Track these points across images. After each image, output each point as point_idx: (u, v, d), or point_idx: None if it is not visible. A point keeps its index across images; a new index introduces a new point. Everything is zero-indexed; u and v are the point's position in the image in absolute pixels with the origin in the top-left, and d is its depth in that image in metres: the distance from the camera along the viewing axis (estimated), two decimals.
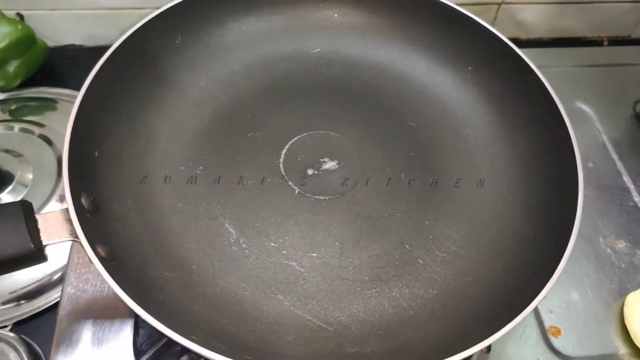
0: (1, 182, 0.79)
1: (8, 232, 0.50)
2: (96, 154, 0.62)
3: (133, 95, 0.69)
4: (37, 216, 0.53)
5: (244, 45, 0.79)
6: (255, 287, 0.60)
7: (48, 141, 0.86)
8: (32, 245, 0.50)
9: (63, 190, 0.78)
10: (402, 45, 0.80)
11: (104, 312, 0.62)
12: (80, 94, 0.61)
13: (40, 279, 0.73)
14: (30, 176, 0.81)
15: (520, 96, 0.72)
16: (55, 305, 0.70)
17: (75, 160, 0.57)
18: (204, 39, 0.76)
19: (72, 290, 0.63)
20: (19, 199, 0.78)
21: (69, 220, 0.52)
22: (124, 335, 0.61)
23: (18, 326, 0.70)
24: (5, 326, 0.70)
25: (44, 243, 0.52)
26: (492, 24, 1.01)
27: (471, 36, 0.76)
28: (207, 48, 0.76)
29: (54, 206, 0.78)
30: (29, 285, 0.72)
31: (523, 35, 1.07)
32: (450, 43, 0.79)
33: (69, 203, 0.53)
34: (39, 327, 0.70)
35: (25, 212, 0.52)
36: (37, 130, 0.88)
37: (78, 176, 0.56)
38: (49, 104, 0.94)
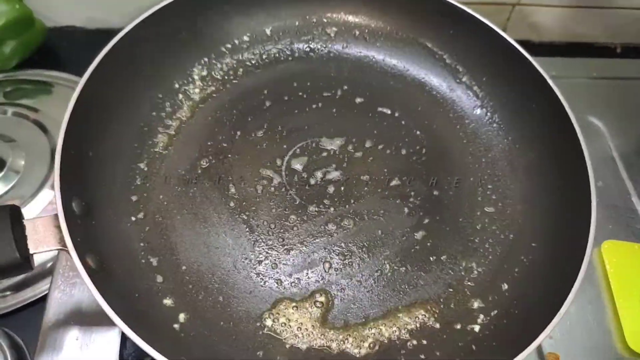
0: None
1: None
2: (90, 154, 0.59)
3: (131, 91, 0.66)
4: (25, 222, 0.51)
5: (251, 43, 0.76)
6: (250, 304, 0.58)
7: (42, 127, 0.84)
8: (18, 255, 0.48)
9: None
10: (415, 51, 0.77)
11: (91, 318, 0.60)
12: (78, 87, 0.58)
13: None
14: (23, 162, 0.79)
15: (535, 110, 0.70)
16: (42, 299, 0.68)
17: (69, 161, 0.55)
18: (209, 34, 0.73)
19: (59, 294, 0.61)
20: (10, 186, 0.76)
21: (59, 227, 0.50)
22: (111, 343, 0.59)
23: (3, 319, 0.68)
24: None
25: (30, 252, 0.49)
26: (505, 25, 0.99)
27: (485, 44, 0.73)
28: (212, 44, 0.74)
29: (46, 194, 0.76)
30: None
31: (535, 38, 1.05)
32: (465, 50, 0.76)
33: (59, 209, 0.51)
34: (24, 320, 0.68)
35: (13, 218, 0.50)
36: (31, 115, 0.85)
37: (71, 178, 0.54)
38: (44, 88, 0.91)
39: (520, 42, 0.68)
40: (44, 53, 0.93)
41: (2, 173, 0.77)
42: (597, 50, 1.06)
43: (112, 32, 0.95)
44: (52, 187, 0.76)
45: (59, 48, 0.96)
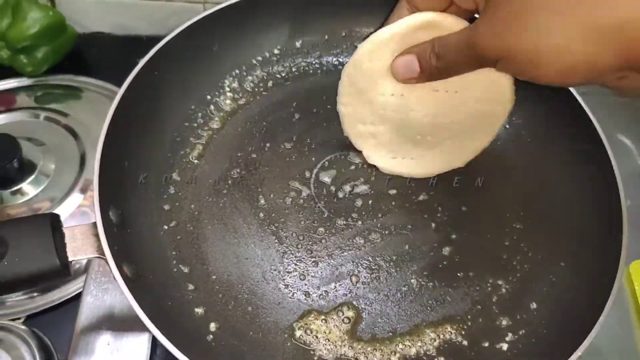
0: (23, 171, 0.78)
1: (35, 247, 0.49)
2: (126, 164, 0.60)
3: (165, 102, 0.67)
4: (65, 230, 0.52)
5: (281, 55, 0.77)
6: (278, 315, 0.59)
7: (72, 131, 0.85)
8: (58, 262, 0.49)
9: (85, 181, 0.79)
10: None
11: (122, 324, 0.61)
12: (116, 99, 0.60)
13: None
14: (53, 166, 0.81)
15: (564, 128, 0.69)
16: (70, 300, 0.69)
17: (106, 171, 0.56)
18: (241, 47, 0.74)
19: (92, 299, 0.62)
20: (40, 189, 0.78)
21: (96, 235, 0.51)
22: (141, 349, 0.60)
23: (31, 319, 0.69)
24: (18, 318, 0.69)
25: (70, 259, 0.50)
26: None
27: None
28: (243, 56, 0.75)
29: (75, 198, 0.78)
30: None
31: None
32: None
33: (97, 217, 0.52)
34: (52, 321, 0.70)
35: (53, 225, 0.51)
36: (61, 119, 0.87)
37: (108, 188, 0.55)
38: (74, 93, 0.92)
39: None
40: (73, 58, 0.95)
41: (33, 176, 0.79)
42: None
43: (139, 39, 0.98)
44: (81, 191, 0.78)
45: (88, 54, 0.97)
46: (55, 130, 0.86)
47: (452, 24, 0.55)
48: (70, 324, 0.63)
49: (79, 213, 0.77)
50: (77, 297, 0.66)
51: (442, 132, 0.64)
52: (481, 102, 0.61)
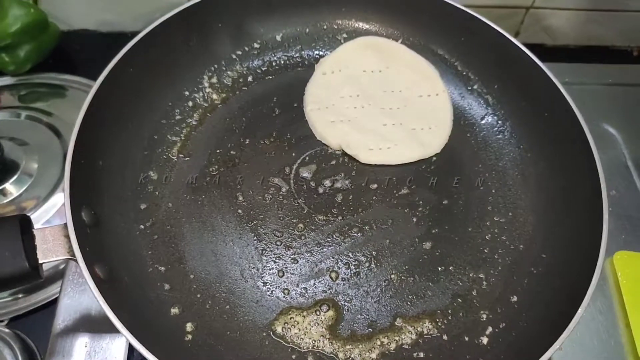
0: (6, 171, 0.78)
1: (3, 250, 0.48)
2: (100, 163, 0.60)
3: (141, 99, 0.67)
4: (35, 231, 0.51)
5: (261, 49, 0.76)
6: (256, 313, 0.59)
7: (55, 130, 0.84)
8: (27, 265, 0.49)
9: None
10: (427, 58, 0.77)
11: (99, 325, 0.61)
12: (88, 97, 0.59)
13: None
14: (36, 165, 0.80)
15: (547, 118, 0.69)
16: (54, 302, 0.69)
17: (79, 170, 0.55)
18: (219, 41, 0.73)
19: (69, 301, 0.62)
20: (23, 189, 0.77)
21: (68, 237, 0.51)
22: (119, 350, 0.60)
23: (15, 321, 0.69)
24: (1, 321, 0.69)
25: (40, 261, 0.50)
26: (519, 29, 0.98)
27: (496, 51, 0.73)
28: (222, 51, 0.74)
29: (59, 197, 0.77)
30: None
31: (549, 42, 1.03)
32: (475, 57, 0.76)
33: (67, 218, 0.51)
34: (36, 323, 0.69)
35: (23, 227, 0.50)
36: (44, 118, 0.86)
37: (80, 188, 0.55)
38: (58, 91, 0.92)
39: (534, 46, 0.67)
40: (57, 56, 0.94)
41: (16, 176, 0.78)
42: (613, 54, 1.04)
43: (124, 35, 0.97)
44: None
45: (72, 51, 0.97)
46: (38, 129, 0.85)
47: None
48: (52, 326, 0.63)
49: (63, 213, 0.76)
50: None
51: (404, 119, 0.70)
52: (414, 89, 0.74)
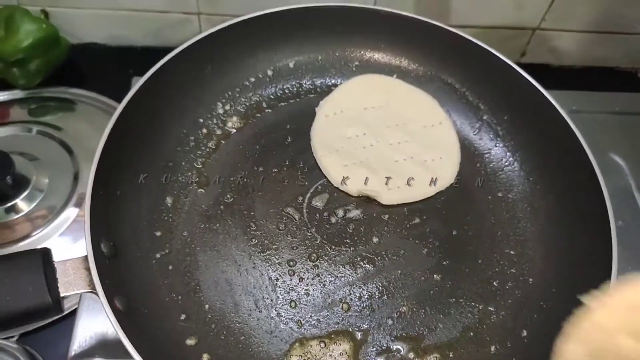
0: (17, 186, 0.78)
1: (26, 284, 0.49)
2: (118, 193, 0.60)
3: (157, 128, 0.67)
4: (56, 264, 0.52)
5: (274, 77, 0.77)
6: (270, 345, 0.59)
7: (65, 146, 0.85)
8: (50, 299, 0.49)
9: (79, 195, 0.79)
10: (438, 87, 0.78)
11: (115, 350, 0.61)
12: (106, 130, 0.60)
13: None
14: (47, 181, 0.80)
15: (554, 149, 0.70)
16: (63, 318, 0.69)
17: (98, 202, 0.56)
18: (233, 68, 0.74)
19: (85, 326, 0.62)
20: (34, 204, 0.77)
21: (88, 269, 0.52)
22: None
23: (25, 337, 0.69)
24: (12, 336, 0.69)
25: (61, 295, 0.51)
26: (525, 49, 0.99)
27: (501, 79, 0.74)
28: (236, 78, 0.74)
29: (69, 212, 0.77)
30: None
31: (554, 62, 1.04)
32: (483, 86, 0.77)
33: (89, 253, 0.52)
34: (47, 338, 0.69)
35: (45, 260, 0.51)
36: (55, 133, 0.86)
37: (99, 218, 0.55)
38: (67, 105, 0.92)
39: (540, 66, 0.67)
40: (67, 69, 0.94)
41: (27, 192, 0.78)
42: (618, 75, 1.05)
43: (134, 50, 0.97)
44: (76, 205, 0.78)
45: (82, 65, 0.97)
46: (48, 144, 0.85)
47: None
48: (63, 342, 0.64)
49: (74, 229, 0.77)
50: (71, 315, 0.66)
51: (414, 152, 0.72)
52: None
